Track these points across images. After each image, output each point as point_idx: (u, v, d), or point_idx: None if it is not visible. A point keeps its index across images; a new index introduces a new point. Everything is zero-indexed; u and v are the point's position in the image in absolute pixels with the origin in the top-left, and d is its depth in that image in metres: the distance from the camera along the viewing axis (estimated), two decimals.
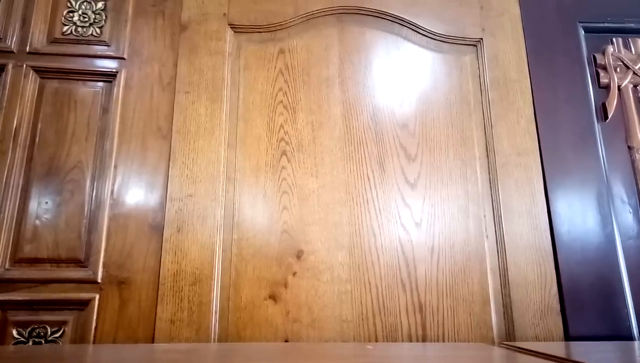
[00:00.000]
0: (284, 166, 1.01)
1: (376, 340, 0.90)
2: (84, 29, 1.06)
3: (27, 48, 1.02)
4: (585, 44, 1.14)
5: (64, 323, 0.88)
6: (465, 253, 0.97)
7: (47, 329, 0.87)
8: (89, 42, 1.05)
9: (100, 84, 1.03)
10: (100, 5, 1.08)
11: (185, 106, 1.02)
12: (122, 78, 1.02)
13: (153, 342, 0.86)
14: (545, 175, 1.02)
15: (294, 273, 0.93)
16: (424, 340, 0.90)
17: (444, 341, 0.90)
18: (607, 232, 0.99)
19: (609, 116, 1.07)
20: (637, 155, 1.05)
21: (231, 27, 1.09)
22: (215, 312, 0.90)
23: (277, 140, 1.02)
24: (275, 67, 1.07)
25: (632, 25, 1.14)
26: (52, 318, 0.88)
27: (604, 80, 1.11)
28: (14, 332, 0.86)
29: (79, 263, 0.92)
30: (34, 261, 0.91)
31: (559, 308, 0.93)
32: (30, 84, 1.00)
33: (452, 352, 0.71)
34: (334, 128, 1.04)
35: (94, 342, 0.86)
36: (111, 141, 0.98)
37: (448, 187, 1.01)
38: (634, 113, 1.09)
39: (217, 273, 0.93)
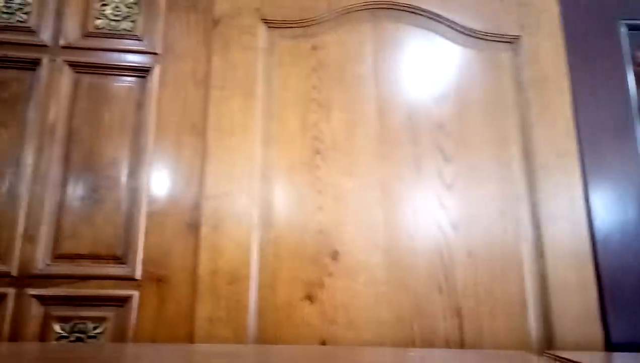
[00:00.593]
0: (318, 165, 1.02)
1: (414, 344, 0.91)
2: (117, 23, 1.06)
3: (61, 42, 1.02)
4: (627, 42, 1.12)
5: (104, 319, 0.90)
6: (503, 256, 0.97)
7: (88, 325, 0.89)
8: (122, 37, 1.05)
9: (134, 79, 1.03)
10: None
11: (219, 103, 1.03)
12: (156, 73, 1.03)
13: (192, 341, 0.88)
14: (585, 177, 1.01)
15: (330, 274, 0.95)
16: (461, 344, 0.92)
17: (481, 346, 0.92)
18: None
19: None
20: None
21: (264, 22, 1.09)
22: (253, 312, 0.91)
23: (311, 139, 1.03)
24: (308, 64, 1.08)
25: None
26: (92, 314, 0.90)
27: None
28: (57, 327, 0.89)
29: (117, 260, 0.94)
30: (74, 257, 0.93)
31: (599, 315, 0.94)
32: (65, 78, 1.01)
33: (496, 362, 0.72)
34: (368, 126, 1.04)
35: (134, 339, 0.88)
36: (146, 138, 0.99)
37: (485, 188, 1.01)
38: None
39: (253, 272, 0.94)
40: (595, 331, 0.94)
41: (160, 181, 0.98)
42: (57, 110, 0.99)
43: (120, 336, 0.90)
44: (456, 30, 1.12)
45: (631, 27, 1.14)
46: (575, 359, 0.69)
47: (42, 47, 1.03)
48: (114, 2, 1.07)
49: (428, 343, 0.93)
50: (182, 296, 0.92)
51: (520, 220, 1.01)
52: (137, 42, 1.06)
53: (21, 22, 1.04)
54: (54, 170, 0.97)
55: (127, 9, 1.07)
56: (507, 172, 1.03)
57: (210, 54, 1.06)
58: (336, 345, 0.91)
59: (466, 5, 1.12)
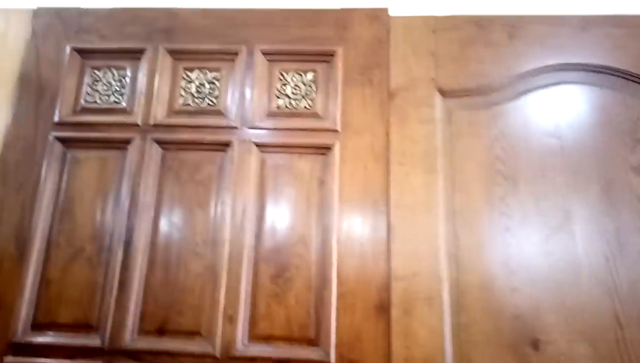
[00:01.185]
0: (508, 243, 0.98)
1: None
2: (297, 102, 1.11)
3: (249, 123, 1.09)
4: None
5: None
6: None
7: None
8: (302, 115, 1.10)
9: (316, 156, 1.07)
10: (309, 76, 1.13)
11: (400, 178, 1.03)
12: (336, 150, 1.06)
13: None
14: None
15: None
16: None
17: None
18: None
19: None
20: None
21: (440, 93, 1.08)
22: None
23: (498, 214, 1.00)
24: (489, 133, 1.05)
25: None
26: None
27: None
28: None
29: (310, 341, 0.96)
30: (269, 338, 0.97)
31: None
32: (254, 158, 1.07)
33: None
34: (560, 199, 0.98)
35: None
36: (331, 215, 1.02)
37: None
38: None
39: (448, 360, 0.92)
40: None
41: (346, 260, 1.00)
42: (248, 190, 1.05)
43: None
44: None
45: None
46: None
47: (232, 128, 1.10)
48: (294, 80, 1.13)
49: None
50: None
51: None
52: (317, 119, 1.10)
53: (211, 105, 1.13)
54: (248, 248, 1.02)
55: (305, 87, 1.12)
56: None
57: (388, 127, 1.07)
58: None
59: None
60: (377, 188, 1.04)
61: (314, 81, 1.13)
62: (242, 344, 0.98)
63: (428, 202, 1.02)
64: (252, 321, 0.99)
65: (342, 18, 1.15)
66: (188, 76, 1.16)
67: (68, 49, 1.18)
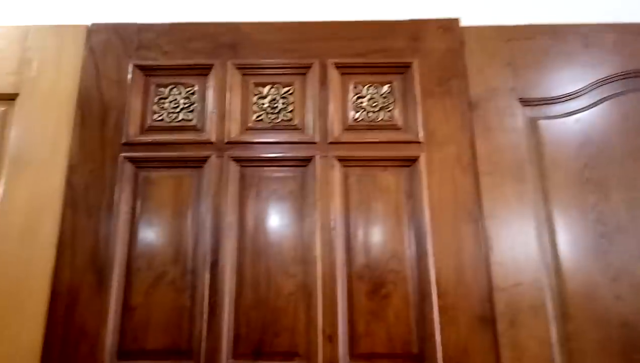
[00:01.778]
0: (605, 250, 1.01)
1: None
2: (374, 114, 1.12)
3: (328, 138, 1.09)
4: None
5: None
6: None
7: None
8: (381, 128, 1.12)
9: (401, 169, 1.08)
10: (386, 88, 1.14)
11: (490, 189, 1.05)
12: (422, 162, 1.07)
13: None
14: None
15: None
16: None
17: None
18: None
19: None
20: None
21: (521, 102, 1.11)
22: None
23: (592, 222, 1.02)
24: (575, 141, 1.08)
25: None
26: None
27: None
28: None
29: (415, 358, 0.96)
30: (372, 356, 0.97)
31: None
32: (337, 173, 1.07)
33: None
34: None
35: None
36: (423, 229, 1.02)
37: None
38: None
39: None
40: None
41: (443, 273, 1.00)
42: (334, 206, 1.05)
43: None
44: None
45: None
46: None
47: (312, 143, 1.10)
48: (369, 93, 1.14)
49: None
50: None
51: None
52: (398, 132, 1.11)
53: (286, 120, 1.13)
54: (341, 265, 1.02)
55: (382, 100, 1.14)
56: None
57: (473, 138, 1.09)
58: None
59: None
60: (468, 200, 1.05)
61: (391, 93, 1.14)
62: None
63: (521, 211, 1.04)
64: (352, 339, 0.98)
65: (414, 29, 1.18)
66: (260, 91, 1.16)
67: (130, 66, 1.17)
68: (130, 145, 1.11)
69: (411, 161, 1.09)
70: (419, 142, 1.10)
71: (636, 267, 0.99)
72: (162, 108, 1.16)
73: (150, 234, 1.06)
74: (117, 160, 1.10)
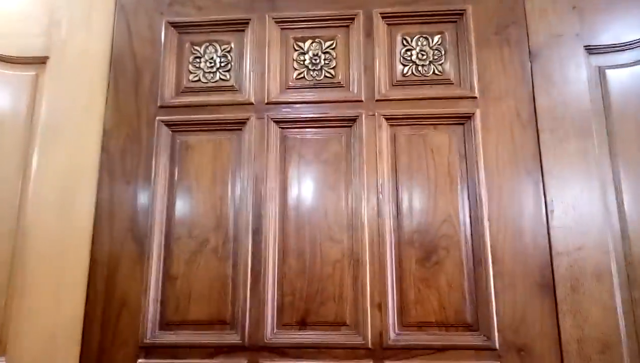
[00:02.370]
0: None
1: None
2: (424, 68, 1.06)
3: (375, 96, 1.05)
4: None
5: None
6: None
7: None
8: (432, 83, 1.06)
9: (454, 127, 1.02)
10: (437, 39, 1.08)
11: (552, 147, 1.00)
12: (477, 119, 1.02)
13: None
14: None
15: None
16: None
17: None
18: None
19: None
20: None
21: (586, 50, 1.03)
22: None
23: None
24: None
25: None
26: None
27: None
28: None
29: (468, 327, 0.94)
30: (422, 325, 0.96)
31: None
32: (384, 133, 1.03)
33: None
34: None
35: None
36: (478, 191, 0.98)
37: None
38: None
39: (624, 340, 0.89)
40: None
41: (501, 237, 0.97)
42: (381, 168, 1.02)
43: None
44: None
45: None
46: None
47: (357, 102, 1.06)
48: (419, 45, 1.08)
49: None
50: None
51: None
52: (450, 87, 1.05)
53: (329, 77, 1.08)
54: (390, 231, 0.99)
55: (432, 52, 1.07)
56: None
57: (533, 91, 1.02)
58: None
59: None
60: (528, 158, 1.01)
61: (442, 44, 1.08)
62: (394, 333, 0.96)
63: (585, 170, 0.99)
64: (402, 308, 0.97)
65: None
66: (300, 47, 1.11)
67: (163, 24, 1.13)
68: (166, 108, 1.09)
69: (465, 118, 1.04)
70: (473, 97, 1.04)
71: None
72: (198, 68, 1.12)
73: (190, 201, 1.05)
74: (154, 124, 1.08)
